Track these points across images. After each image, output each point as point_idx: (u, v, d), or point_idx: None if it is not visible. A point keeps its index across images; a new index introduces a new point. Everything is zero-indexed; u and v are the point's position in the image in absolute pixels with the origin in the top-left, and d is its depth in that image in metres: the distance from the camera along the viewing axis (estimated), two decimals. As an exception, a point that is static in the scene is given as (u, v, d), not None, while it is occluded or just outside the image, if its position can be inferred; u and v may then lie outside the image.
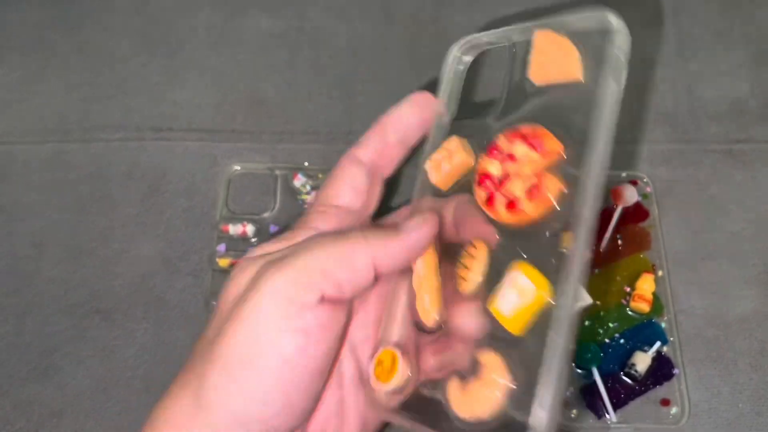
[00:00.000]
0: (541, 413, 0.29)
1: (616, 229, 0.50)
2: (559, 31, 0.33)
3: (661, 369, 0.47)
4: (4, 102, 0.55)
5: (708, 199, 0.52)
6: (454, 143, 0.36)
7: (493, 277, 0.34)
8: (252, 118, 0.54)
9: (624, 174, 0.53)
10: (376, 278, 0.35)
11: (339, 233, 0.35)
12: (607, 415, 0.46)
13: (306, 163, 0.52)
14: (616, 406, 0.46)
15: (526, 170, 0.33)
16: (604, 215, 0.51)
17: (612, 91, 0.32)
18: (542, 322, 0.31)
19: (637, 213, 0.51)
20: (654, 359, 0.47)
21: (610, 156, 0.31)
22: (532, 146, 0.33)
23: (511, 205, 0.33)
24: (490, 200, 0.34)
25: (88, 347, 0.48)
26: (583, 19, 0.33)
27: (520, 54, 0.36)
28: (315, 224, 0.37)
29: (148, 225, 0.51)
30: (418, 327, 0.36)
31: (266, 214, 0.51)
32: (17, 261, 0.50)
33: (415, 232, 0.35)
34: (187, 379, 0.33)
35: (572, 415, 0.46)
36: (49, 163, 0.52)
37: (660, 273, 0.50)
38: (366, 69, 0.56)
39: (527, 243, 0.33)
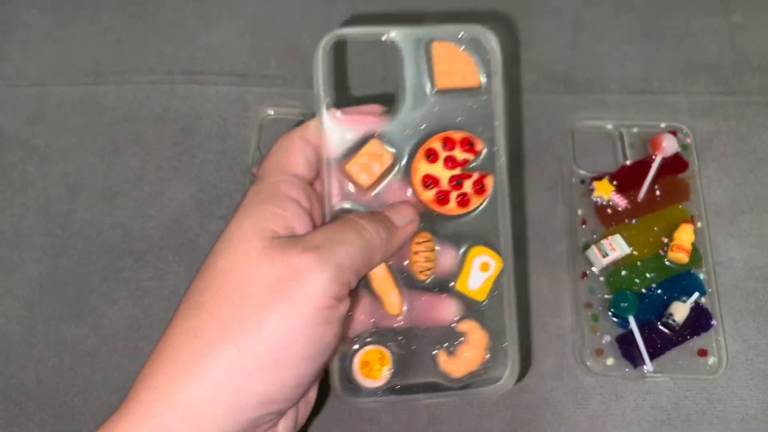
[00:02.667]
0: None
1: (655, 180, 0.50)
2: (452, 42, 0.39)
3: (699, 320, 0.46)
4: (38, 44, 0.54)
5: (749, 152, 0.51)
6: (377, 146, 0.39)
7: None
8: (286, 63, 0.54)
9: (663, 125, 0.51)
10: None
11: (359, 228, 0.36)
12: (643, 365, 0.45)
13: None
14: (653, 356, 0.46)
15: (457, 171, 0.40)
16: (643, 165, 0.50)
17: (501, 92, 0.39)
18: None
19: (676, 164, 0.50)
20: (692, 310, 0.46)
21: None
22: (469, 150, 0.39)
23: (464, 201, 0.39)
24: (442, 199, 0.39)
25: (121, 288, 0.48)
26: (459, 30, 0.39)
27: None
28: (290, 194, 0.36)
29: (181, 168, 0.51)
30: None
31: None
32: (51, 203, 0.50)
33: (408, 229, 0.38)
34: (205, 366, 0.32)
35: (607, 364, 0.46)
36: (82, 106, 0.52)
37: (699, 224, 0.49)
38: (401, 15, 0.55)
39: (463, 225, 0.40)
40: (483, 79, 0.39)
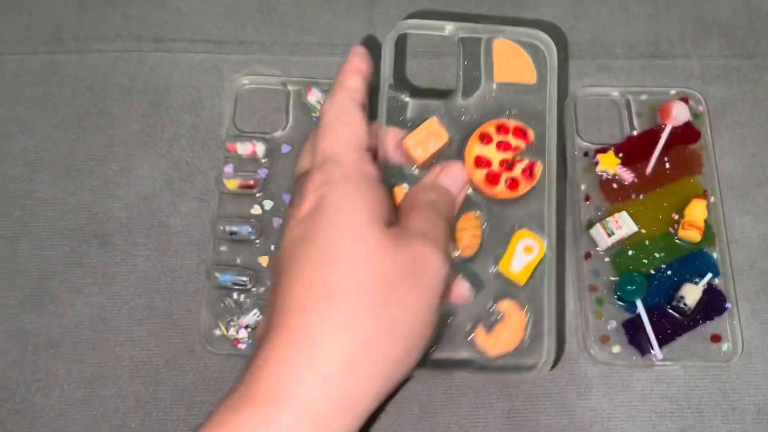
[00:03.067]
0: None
1: (664, 151, 0.46)
2: (512, 40, 0.42)
3: (712, 303, 0.43)
4: (-7, 9, 0.50)
5: (766, 119, 0.47)
6: (435, 125, 0.40)
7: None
8: (263, 28, 0.49)
9: (673, 91, 0.47)
10: None
11: (437, 209, 0.37)
12: (651, 352, 0.42)
13: (324, 84, 0.47)
14: (662, 342, 0.42)
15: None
16: (651, 136, 0.46)
17: (555, 92, 0.41)
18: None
19: (687, 133, 0.46)
20: (704, 292, 0.43)
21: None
22: (521, 137, 0.41)
23: (513, 184, 0.40)
24: (492, 180, 0.40)
25: (86, 274, 0.44)
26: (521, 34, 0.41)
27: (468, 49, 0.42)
28: (372, 172, 0.36)
29: (151, 143, 0.47)
30: None
31: (278, 133, 0.47)
32: (9, 180, 0.46)
33: (463, 191, 0.40)
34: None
35: (613, 351, 0.42)
36: (42, 75, 0.48)
37: (712, 199, 0.45)
38: None
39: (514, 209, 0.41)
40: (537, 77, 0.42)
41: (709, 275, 0.43)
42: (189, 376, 0.42)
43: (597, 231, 0.44)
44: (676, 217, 0.45)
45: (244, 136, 0.46)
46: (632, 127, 0.47)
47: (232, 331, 0.43)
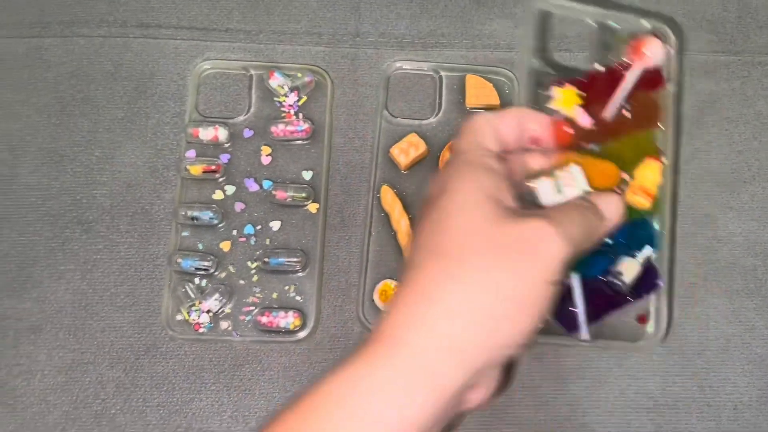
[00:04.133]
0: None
1: (628, 96, 0.40)
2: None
3: (645, 279, 0.40)
4: (-22, -8, 0.50)
5: (753, 116, 0.47)
6: (415, 137, 0.46)
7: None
8: (249, 15, 0.49)
9: (649, 24, 0.43)
10: None
11: (584, 210, 0.36)
12: (579, 331, 0.39)
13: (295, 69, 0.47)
14: (591, 320, 0.39)
15: None
16: (616, 76, 0.40)
17: None
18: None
19: (652, 78, 0.40)
20: (644, 262, 0.39)
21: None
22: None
23: None
24: None
25: (68, 260, 0.44)
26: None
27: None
28: (494, 165, 0.36)
29: (134, 130, 0.47)
30: None
31: (240, 118, 0.47)
32: (-8, 165, 0.46)
33: (615, 220, 0.37)
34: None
35: None
36: (26, 60, 0.48)
37: (664, 160, 0.40)
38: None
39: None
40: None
41: (648, 249, 0.39)
42: (169, 363, 0.43)
43: (543, 185, 0.38)
44: (627, 177, 0.39)
45: (207, 121, 0.46)
46: (602, 59, 0.41)
47: (193, 316, 0.43)
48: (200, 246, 0.44)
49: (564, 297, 0.39)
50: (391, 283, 0.44)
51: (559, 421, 0.42)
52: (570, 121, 0.39)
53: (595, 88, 0.41)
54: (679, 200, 0.45)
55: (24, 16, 0.49)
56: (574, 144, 0.39)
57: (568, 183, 0.38)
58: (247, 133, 0.46)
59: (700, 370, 0.42)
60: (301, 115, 0.46)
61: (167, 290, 0.43)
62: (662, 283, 0.41)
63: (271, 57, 0.48)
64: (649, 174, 0.39)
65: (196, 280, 0.44)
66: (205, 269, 0.43)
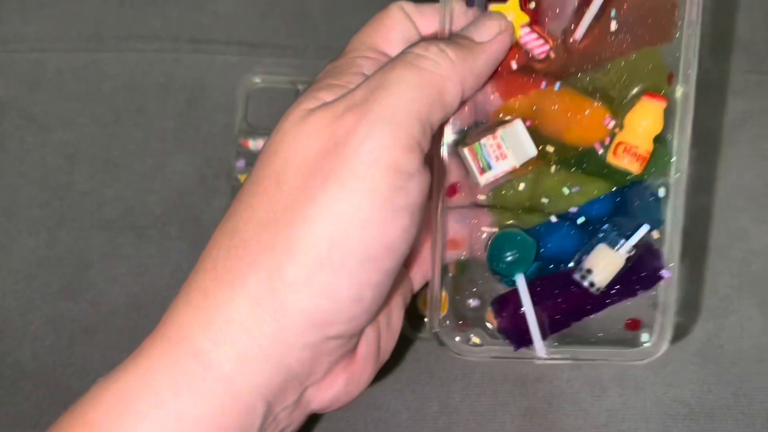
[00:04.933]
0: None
1: (609, 2, 0.28)
2: None
3: (643, 267, 0.29)
4: (37, 6, 0.52)
5: (785, 134, 0.49)
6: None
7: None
8: (296, 32, 0.51)
9: None
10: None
11: (413, 59, 0.26)
12: (532, 348, 0.30)
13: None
14: (551, 330, 0.30)
15: None
16: None
17: None
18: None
19: None
20: (630, 258, 0.29)
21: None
22: None
23: None
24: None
25: (122, 264, 0.46)
26: None
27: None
28: (364, 71, 0.29)
29: (185, 140, 0.48)
30: None
31: None
32: (49, 172, 0.48)
33: (497, 43, 0.28)
34: (239, 273, 0.26)
35: (470, 341, 0.31)
36: (82, 72, 0.50)
37: (680, 91, 0.29)
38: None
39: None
40: None
41: (645, 228, 0.28)
42: (218, 366, 0.44)
43: (466, 157, 0.29)
44: (610, 124, 0.28)
45: (256, 132, 0.48)
46: None
47: None
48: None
49: (511, 301, 0.30)
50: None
51: (597, 427, 0.43)
52: (512, 52, 0.28)
53: None
54: (713, 213, 0.46)
55: (81, 31, 0.51)
56: (527, 86, 0.28)
57: (499, 152, 0.28)
58: (296, 143, 0.48)
59: (734, 379, 0.43)
60: (346, 127, 0.48)
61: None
62: (669, 274, 0.30)
63: (317, 72, 0.50)
64: (641, 121, 0.28)
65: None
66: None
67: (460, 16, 0.30)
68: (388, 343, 0.31)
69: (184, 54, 0.50)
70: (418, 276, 0.33)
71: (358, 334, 0.28)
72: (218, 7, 0.52)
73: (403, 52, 0.28)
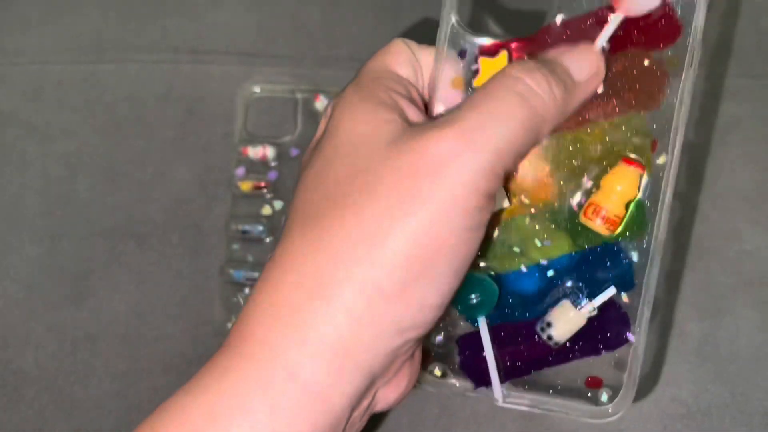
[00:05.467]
0: None
1: (608, 59, 0.29)
2: None
3: (608, 327, 0.29)
4: (38, 20, 0.52)
5: (775, 136, 0.50)
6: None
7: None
8: (294, 42, 0.52)
9: None
10: None
11: (521, 89, 0.26)
12: (490, 389, 0.31)
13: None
14: (511, 375, 0.30)
15: None
16: (584, 29, 0.29)
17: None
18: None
19: (654, 29, 0.28)
20: (593, 319, 0.29)
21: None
22: None
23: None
24: None
25: (123, 272, 0.46)
26: None
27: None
28: (393, 86, 0.29)
29: (185, 149, 0.49)
30: None
31: (287, 138, 0.49)
32: (51, 182, 0.48)
33: (592, 81, 0.28)
34: (336, 288, 0.26)
35: (433, 373, 0.32)
36: (83, 83, 0.50)
37: (662, 159, 0.29)
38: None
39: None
40: None
41: (612, 290, 0.29)
42: (220, 371, 0.44)
43: None
44: (589, 184, 0.29)
45: (256, 140, 0.49)
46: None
47: None
48: (250, 258, 0.46)
49: (475, 341, 0.31)
50: None
51: (597, 427, 0.43)
52: None
53: (542, 49, 0.29)
54: (707, 215, 0.47)
55: (81, 43, 0.52)
56: None
57: None
58: (294, 152, 0.49)
59: (731, 378, 0.44)
60: (344, 135, 0.49)
61: (218, 300, 0.45)
62: (633, 339, 0.30)
63: (315, 81, 0.50)
64: (616, 185, 0.29)
65: (246, 290, 0.46)
66: (254, 280, 0.45)
67: (453, 63, 0.30)
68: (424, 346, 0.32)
69: (183, 64, 0.51)
70: None
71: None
72: (217, 17, 0.52)
73: (512, 77, 0.27)
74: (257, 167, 0.48)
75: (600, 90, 0.28)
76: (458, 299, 0.29)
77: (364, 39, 0.52)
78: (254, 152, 0.48)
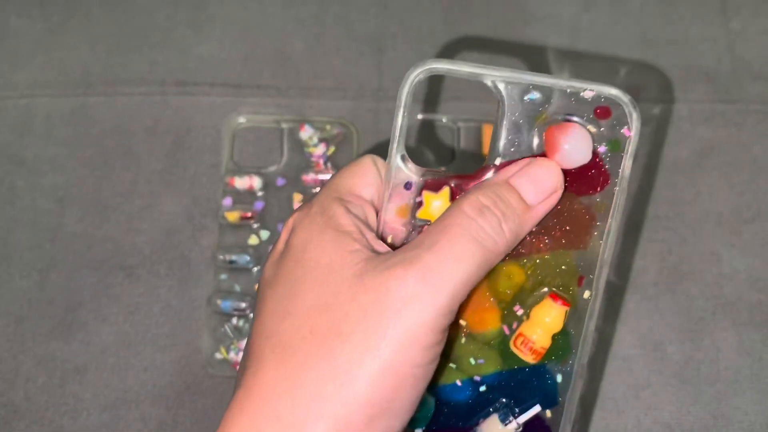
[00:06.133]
0: None
1: None
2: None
3: None
4: (27, 54, 0.53)
5: (751, 160, 0.50)
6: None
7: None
8: (279, 73, 0.53)
9: (589, 93, 0.30)
10: None
11: (476, 231, 0.28)
12: None
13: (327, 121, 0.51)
14: None
15: None
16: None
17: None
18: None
19: (584, 175, 0.31)
20: (523, 428, 0.32)
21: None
22: None
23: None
24: None
25: (112, 304, 0.47)
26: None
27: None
28: (358, 212, 0.31)
29: (173, 181, 0.50)
30: None
31: (273, 168, 0.50)
32: (40, 215, 0.49)
33: (549, 200, 0.30)
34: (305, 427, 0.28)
35: None
36: (71, 117, 0.51)
37: (587, 294, 0.32)
38: (397, 24, 0.55)
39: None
40: None
41: (536, 408, 0.31)
42: (209, 400, 0.45)
43: None
44: (520, 312, 0.31)
45: (242, 170, 0.50)
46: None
47: (232, 354, 0.45)
48: (237, 288, 0.47)
49: None
50: None
51: (581, 451, 0.44)
52: None
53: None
54: (686, 239, 0.48)
55: (69, 77, 0.52)
56: None
57: None
58: (280, 181, 0.49)
59: (712, 400, 0.44)
60: (330, 164, 0.50)
61: (207, 330, 0.46)
62: None
63: (301, 111, 0.51)
64: (545, 318, 0.31)
65: (234, 320, 0.46)
66: (242, 310, 0.46)
67: (400, 193, 0.32)
68: None
69: (170, 96, 0.52)
70: None
71: None
72: (202, 50, 0.53)
73: (466, 216, 0.29)
74: (244, 197, 0.49)
75: (533, 228, 0.31)
76: None
77: (348, 70, 0.53)
78: (241, 182, 0.49)
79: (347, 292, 0.28)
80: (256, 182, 0.49)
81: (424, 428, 0.32)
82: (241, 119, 0.51)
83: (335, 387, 0.27)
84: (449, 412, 0.32)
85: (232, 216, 0.48)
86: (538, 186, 0.30)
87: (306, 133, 0.50)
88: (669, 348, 0.45)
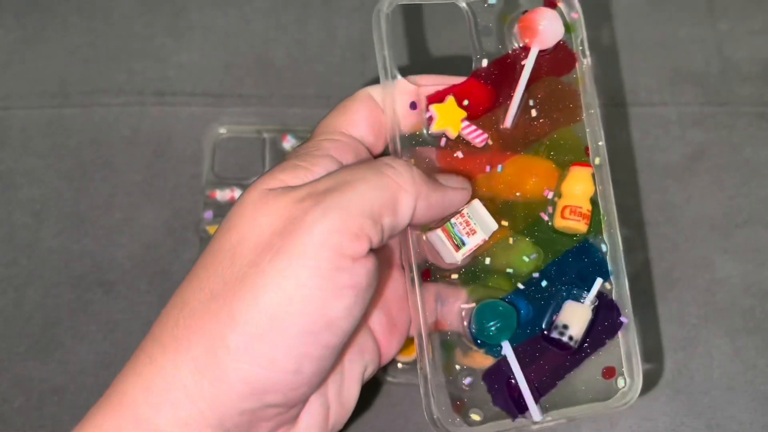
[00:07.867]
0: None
1: (528, 90, 0.33)
2: None
3: (604, 319, 0.32)
4: (1, 65, 0.52)
5: (742, 163, 0.50)
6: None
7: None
8: (260, 81, 0.52)
9: None
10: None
11: (380, 166, 0.29)
12: (527, 413, 0.31)
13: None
14: (541, 392, 0.31)
15: None
16: (508, 66, 0.33)
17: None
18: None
19: (556, 59, 0.34)
20: (595, 309, 0.32)
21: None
22: None
23: None
24: None
25: (90, 321, 0.45)
26: None
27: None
28: (331, 153, 0.31)
29: (153, 193, 0.48)
30: None
31: (255, 179, 0.48)
32: (15, 230, 0.47)
33: (457, 192, 0.31)
34: (184, 341, 0.28)
35: (472, 418, 0.31)
36: (48, 128, 0.50)
37: (597, 160, 0.34)
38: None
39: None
40: None
41: (599, 281, 0.32)
42: (191, 420, 0.44)
43: (438, 239, 0.31)
44: (550, 195, 0.33)
45: (224, 182, 0.48)
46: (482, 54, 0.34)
47: None
48: (219, 303, 0.46)
49: (501, 372, 0.32)
50: None
51: (574, 463, 0.43)
52: (461, 145, 0.32)
53: (481, 93, 0.33)
54: (677, 244, 0.47)
55: (46, 87, 0.51)
56: (473, 172, 0.32)
57: (468, 228, 0.31)
58: (262, 193, 0.48)
59: (706, 409, 0.43)
60: (312, 174, 0.48)
61: (188, 347, 0.44)
62: (626, 320, 0.33)
63: (283, 120, 0.50)
64: (578, 186, 0.33)
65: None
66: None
67: (406, 114, 0.33)
68: (339, 415, 0.32)
69: (149, 107, 0.51)
70: (393, 344, 0.34)
71: (299, 404, 0.30)
72: (182, 59, 0.52)
73: (375, 160, 0.30)
74: (225, 210, 0.47)
75: (534, 114, 0.34)
76: (479, 331, 0.31)
77: (331, 77, 0.52)
78: (222, 195, 0.48)
79: (249, 214, 0.28)
80: (237, 195, 0.48)
81: (510, 337, 0.32)
82: (222, 130, 0.50)
83: (219, 305, 0.27)
84: (522, 319, 0.32)
85: (214, 229, 0.47)
86: (450, 178, 0.32)
87: (288, 143, 0.49)
88: (661, 356, 0.44)
